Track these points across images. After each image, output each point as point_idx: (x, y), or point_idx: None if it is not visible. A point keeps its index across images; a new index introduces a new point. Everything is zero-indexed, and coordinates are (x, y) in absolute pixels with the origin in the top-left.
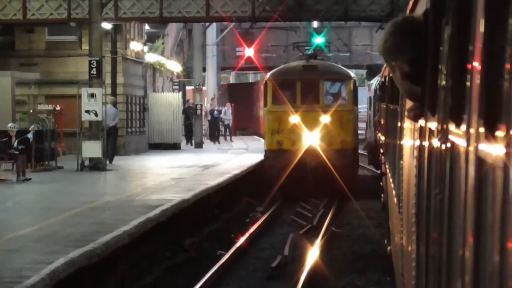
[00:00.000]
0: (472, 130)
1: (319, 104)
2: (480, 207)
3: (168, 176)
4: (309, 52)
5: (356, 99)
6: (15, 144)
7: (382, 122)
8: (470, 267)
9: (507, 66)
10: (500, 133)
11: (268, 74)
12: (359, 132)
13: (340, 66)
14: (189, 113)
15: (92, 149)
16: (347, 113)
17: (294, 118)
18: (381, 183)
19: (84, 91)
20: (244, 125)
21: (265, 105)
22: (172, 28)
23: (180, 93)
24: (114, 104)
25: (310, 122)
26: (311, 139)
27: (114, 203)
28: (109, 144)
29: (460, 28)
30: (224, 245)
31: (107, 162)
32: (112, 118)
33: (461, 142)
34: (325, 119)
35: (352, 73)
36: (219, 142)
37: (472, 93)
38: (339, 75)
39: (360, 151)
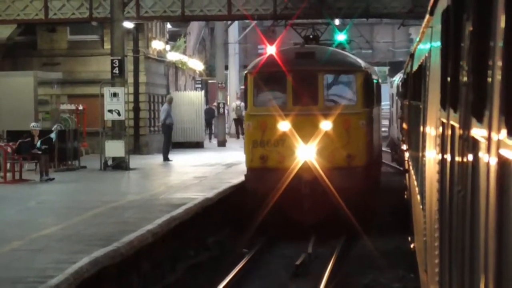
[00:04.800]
0: (493, 127)
1: (317, 106)
2: (502, 203)
3: (191, 174)
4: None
5: (370, 97)
6: (38, 144)
7: (405, 118)
8: (493, 263)
9: None
10: None
11: (250, 65)
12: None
13: (347, 53)
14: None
15: (115, 148)
16: (356, 117)
17: (284, 125)
18: (404, 181)
19: (107, 90)
20: None
21: (245, 107)
22: (194, 27)
23: (203, 91)
24: (169, 102)
25: (306, 130)
26: (307, 153)
27: (138, 202)
28: (164, 141)
29: (480, 23)
30: (248, 243)
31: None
32: (163, 116)
33: (482, 139)
34: (326, 125)
35: (363, 62)
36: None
37: (493, 90)
38: (345, 65)
39: (383, 148)
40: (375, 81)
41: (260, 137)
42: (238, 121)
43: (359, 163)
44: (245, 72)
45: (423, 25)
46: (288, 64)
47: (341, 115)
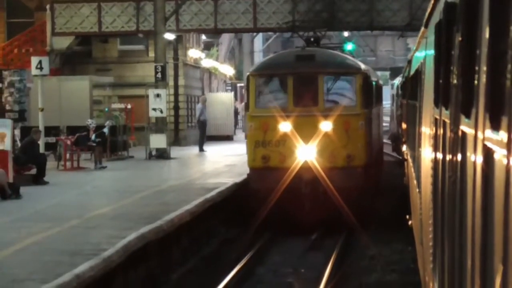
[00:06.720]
0: (479, 122)
1: (317, 107)
2: (487, 186)
3: (222, 163)
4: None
5: (369, 98)
6: (93, 137)
7: (403, 116)
8: (479, 237)
9: (509, 66)
10: (503, 124)
11: (252, 68)
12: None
13: (347, 56)
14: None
15: (158, 141)
16: (355, 118)
17: (285, 126)
18: (403, 168)
19: (151, 92)
20: None
21: (247, 108)
22: (225, 38)
23: (232, 93)
24: (203, 102)
25: (306, 130)
26: (307, 153)
27: (177, 187)
28: (199, 134)
29: (468, 34)
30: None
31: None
32: (198, 113)
33: (470, 132)
34: (326, 126)
35: (362, 65)
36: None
37: (479, 90)
38: (344, 67)
39: (384, 140)
40: (374, 83)
41: (262, 137)
42: None
43: (359, 163)
44: (247, 74)
45: (419, 36)
46: (289, 66)
47: (341, 116)
